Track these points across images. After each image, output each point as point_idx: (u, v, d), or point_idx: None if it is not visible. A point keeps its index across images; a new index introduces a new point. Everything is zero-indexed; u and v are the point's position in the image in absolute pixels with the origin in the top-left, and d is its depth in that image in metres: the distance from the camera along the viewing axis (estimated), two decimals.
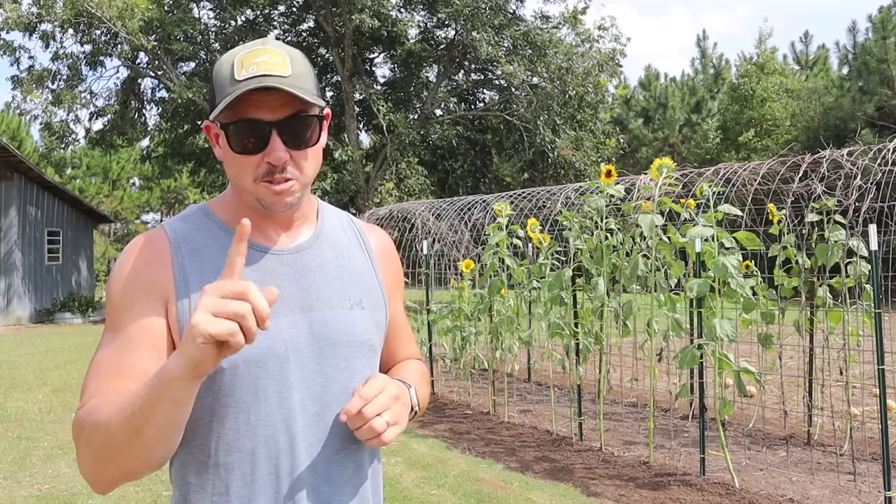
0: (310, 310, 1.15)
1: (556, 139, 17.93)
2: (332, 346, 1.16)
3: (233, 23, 19.12)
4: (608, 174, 5.03)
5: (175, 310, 1.09)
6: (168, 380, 0.93)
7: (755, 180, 5.12)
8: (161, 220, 36.88)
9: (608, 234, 5.18)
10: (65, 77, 18.53)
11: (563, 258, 6.11)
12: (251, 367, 1.09)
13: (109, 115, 19.21)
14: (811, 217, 4.79)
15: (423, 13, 19.65)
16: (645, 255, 4.88)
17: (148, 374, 1.01)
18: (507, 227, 6.05)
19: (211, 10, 19.24)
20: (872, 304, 4.00)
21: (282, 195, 1.11)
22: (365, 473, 1.19)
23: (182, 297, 1.09)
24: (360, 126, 21.10)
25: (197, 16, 19.01)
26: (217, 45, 19.12)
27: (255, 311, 0.89)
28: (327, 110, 1.18)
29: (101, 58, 18.53)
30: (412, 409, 1.18)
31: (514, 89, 18.44)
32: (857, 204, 4.47)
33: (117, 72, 24.92)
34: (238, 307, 0.88)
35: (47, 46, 18.19)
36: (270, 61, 1.08)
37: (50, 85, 18.44)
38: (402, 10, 19.40)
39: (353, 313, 1.20)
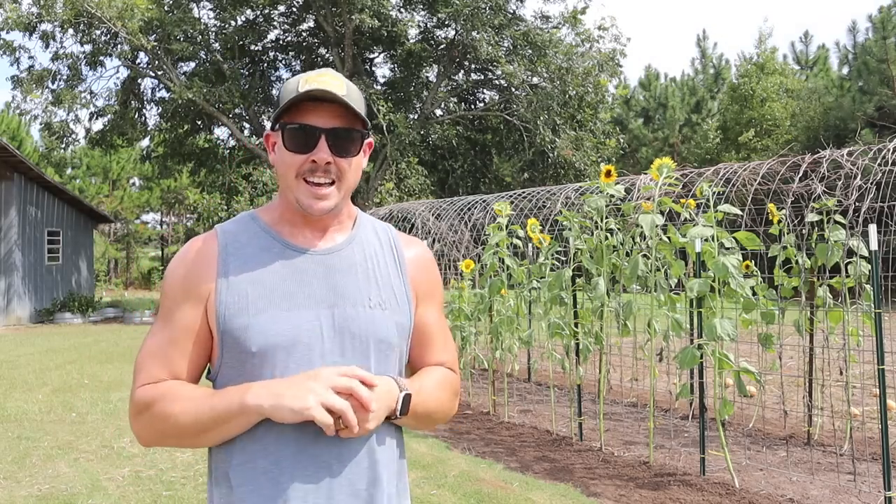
0: (333, 305, 1.30)
1: (556, 139, 17.93)
2: (352, 339, 1.29)
3: (233, 23, 19.11)
4: (608, 174, 5.03)
5: (214, 298, 1.28)
6: (248, 412, 1.19)
7: (755, 180, 5.12)
8: (161, 220, 36.87)
9: (608, 234, 5.18)
10: (65, 77, 18.51)
11: (563, 258, 6.11)
12: (279, 352, 1.24)
13: (109, 115, 19.19)
14: (811, 217, 4.79)
15: (423, 13, 19.64)
16: (645, 255, 4.88)
17: (189, 364, 1.28)
18: (507, 227, 6.05)
19: (211, 10, 19.22)
20: (872, 304, 4.00)
21: (320, 199, 1.29)
22: (376, 458, 1.29)
23: (221, 287, 1.28)
24: None
25: (197, 16, 18.99)
26: (217, 45, 19.11)
27: (360, 402, 1.17)
28: (370, 139, 1.36)
29: (101, 58, 18.51)
30: (394, 408, 1.28)
31: (514, 89, 18.44)
32: (857, 204, 4.47)
33: (117, 72, 24.99)
34: (343, 406, 1.16)
35: (47, 46, 18.18)
36: (330, 81, 1.28)
37: (50, 85, 18.41)
38: (402, 10, 19.39)
39: (374, 312, 1.32)
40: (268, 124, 1.55)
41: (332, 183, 1.30)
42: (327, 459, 1.23)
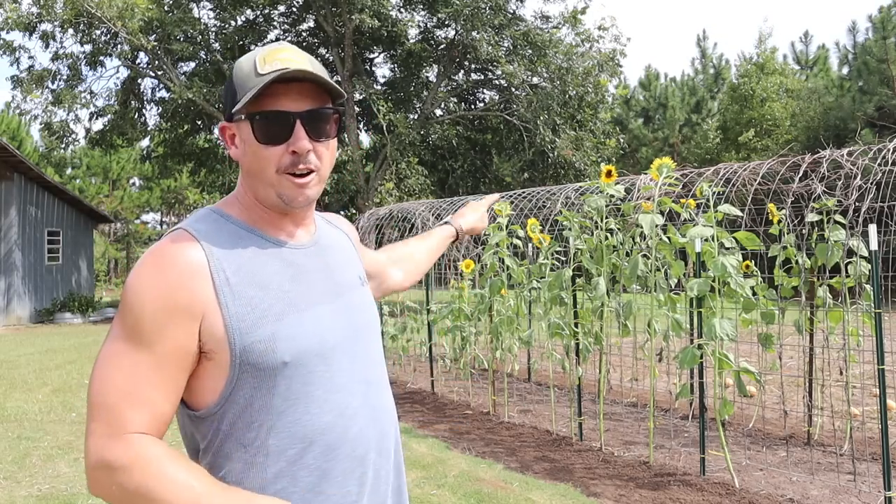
0: (340, 295, 1.23)
1: (556, 139, 17.92)
2: (363, 325, 1.26)
3: (233, 23, 19.12)
4: (608, 174, 5.03)
5: (217, 313, 1.08)
6: None
7: (755, 180, 5.12)
8: (161, 220, 36.83)
9: (608, 234, 5.18)
10: (65, 77, 18.51)
11: (563, 258, 6.11)
12: (311, 357, 1.13)
13: (109, 115, 19.20)
14: (811, 217, 4.78)
15: (423, 13, 19.64)
16: (645, 255, 4.88)
17: (172, 398, 1.07)
18: (507, 227, 6.05)
19: (211, 10, 19.23)
20: (872, 304, 4.00)
21: (304, 188, 1.16)
22: (398, 449, 1.30)
23: (225, 298, 1.09)
24: (360, 126, 21.10)
25: (197, 16, 19.00)
26: (217, 45, 19.12)
27: None
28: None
29: (101, 58, 18.52)
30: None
31: (514, 89, 18.43)
32: (857, 204, 4.47)
33: (117, 72, 25.04)
34: None
35: (47, 46, 18.18)
36: (292, 57, 1.14)
37: (50, 85, 18.43)
38: (402, 10, 19.39)
39: (365, 290, 1.32)
40: None
41: (313, 171, 1.16)
42: (362, 454, 1.19)
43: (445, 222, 1.85)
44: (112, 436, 1.02)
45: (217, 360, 1.09)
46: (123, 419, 1.03)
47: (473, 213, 1.89)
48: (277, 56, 1.13)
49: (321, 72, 1.16)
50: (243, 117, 1.14)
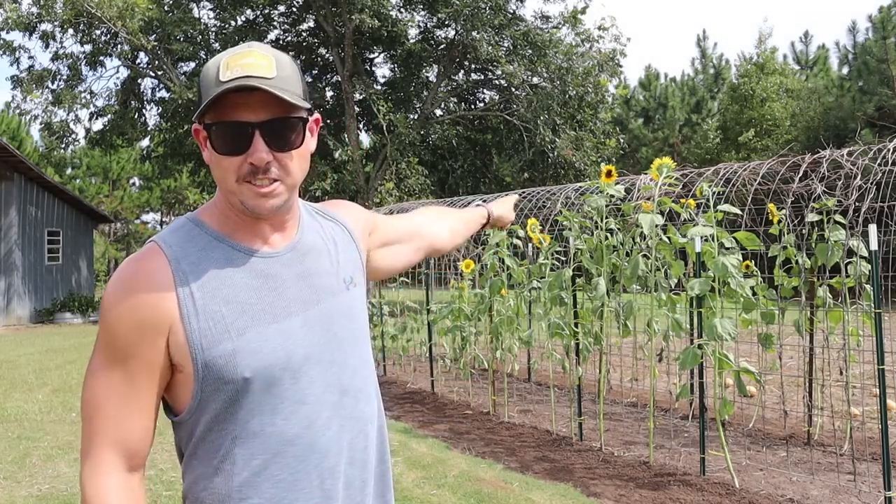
0: (317, 303, 1.19)
1: (556, 139, 17.91)
2: (342, 333, 1.21)
3: (233, 23, 19.12)
4: (608, 174, 5.03)
5: (181, 327, 1.10)
6: None
7: (755, 180, 5.12)
8: (161, 220, 36.83)
9: (608, 234, 5.18)
10: (65, 77, 18.53)
11: (563, 258, 6.11)
12: (275, 371, 1.12)
13: (109, 115, 19.20)
14: (811, 217, 4.78)
15: (423, 13, 19.64)
16: (645, 255, 4.88)
17: (148, 413, 1.12)
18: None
19: (211, 10, 19.24)
20: (872, 304, 4.00)
21: (266, 197, 1.12)
22: (383, 457, 1.27)
23: (188, 312, 1.10)
24: (360, 126, 21.09)
25: (197, 16, 19.01)
26: (217, 45, 19.12)
27: None
28: (316, 115, 1.19)
29: (101, 58, 18.54)
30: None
31: (514, 89, 18.43)
32: (857, 204, 4.47)
33: (117, 72, 25.05)
34: None
35: (47, 46, 18.19)
36: (256, 63, 1.08)
37: (50, 85, 18.44)
38: (402, 10, 19.39)
39: (351, 294, 1.25)
40: None
41: (277, 181, 1.12)
42: (331, 465, 1.17)
43: (478, 205, 1.86)
44: (90, 455, 1.10)
45: (186, 372, 1.11)
46: (99, 436, 1.10)
47: (503, 204, 1.93)
48: (239, 62, 1.08)
49: (289, 77, 1.11)
50: (203, 126, 1.13)
